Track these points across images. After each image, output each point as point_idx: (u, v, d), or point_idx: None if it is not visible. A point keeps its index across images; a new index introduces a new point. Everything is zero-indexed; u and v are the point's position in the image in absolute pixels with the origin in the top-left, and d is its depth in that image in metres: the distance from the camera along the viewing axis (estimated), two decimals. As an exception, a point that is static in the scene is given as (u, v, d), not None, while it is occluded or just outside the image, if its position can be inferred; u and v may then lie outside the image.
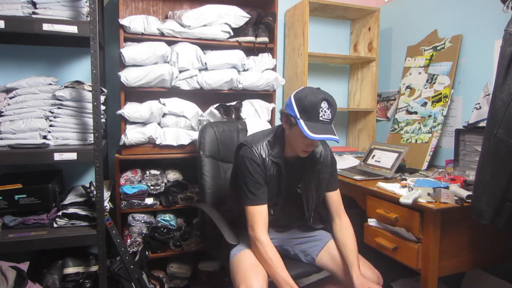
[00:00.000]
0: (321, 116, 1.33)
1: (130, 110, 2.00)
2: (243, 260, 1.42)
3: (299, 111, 1.36)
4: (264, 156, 1.46)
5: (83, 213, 1.80)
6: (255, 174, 1.43)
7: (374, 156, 2.12)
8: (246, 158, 1.45)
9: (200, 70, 2.16)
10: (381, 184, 1.70)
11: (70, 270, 1.92)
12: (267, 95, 2.37)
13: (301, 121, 1.34)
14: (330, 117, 1.35)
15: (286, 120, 1.42)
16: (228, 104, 2.26)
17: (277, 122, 2.66)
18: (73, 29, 1.65)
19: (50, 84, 1.87)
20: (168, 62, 2.08)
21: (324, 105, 1.34)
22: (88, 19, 1.69)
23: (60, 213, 1.79)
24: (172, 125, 2.11)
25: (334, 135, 1.33)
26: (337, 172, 1.66)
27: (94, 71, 1.65)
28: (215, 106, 2.20)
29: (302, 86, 1.52)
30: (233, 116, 2.20)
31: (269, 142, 1.49)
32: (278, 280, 1.34)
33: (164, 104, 2.08)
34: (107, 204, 1.88)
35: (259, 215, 1.43)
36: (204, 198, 1.77)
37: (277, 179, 1.49)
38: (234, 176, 1.59)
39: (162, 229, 2.09)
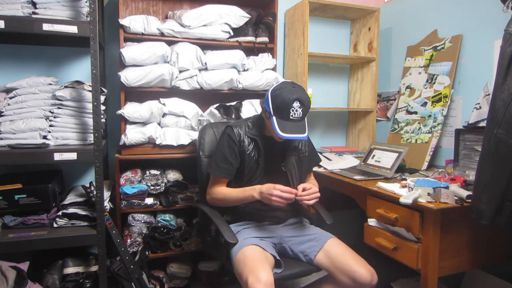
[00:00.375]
0: (292, 116, 1.47)
1: (130, 110, 2.00)
2: (249, 255, 1.46)
3: (273, 108, 1.50)
4: (242, 134, 1.64)
5: (83, 213, 1.80)
6: (227, 148, 1.62)
7: (374, 156, 2.12)
8: (225, 134, 1.66)
9: (200, 70, 2.16)
10: (381, 184, 1.70)
11: (70, 270, 1.92)
12: (267, 95, 2.37)
13: (274, 119, 1.48)
14: (301, 116, 1.49)
15: (264, 112, 1.60)
16: (228, 104, 2.26)
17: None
18: (73, 29, 1.65)
19: (50, 84, 1.88)
20: (168, 62, 2.08)
21: (296, 104, 1.47)
22: (88, 19, 1.69)
23: (60, 213, 1.79)
24: (172, 125, 2.11)
25: (303, 133, 1.49)
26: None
27: (94, 71, 1.65)
28: (215, 106, 2.20)
29: (282, 81, 1.63)
30: (233, 116, 2.21)
31: (250, 123, 1.68)
32: (239, 195, 1.58)
33: (164, 104, 2.08)
34: (107, 204, 1.88)
35: (216, 184, 1.64)
36: (204, 198, 1.77)
37: (256, 154, 1.64)
38: None
39: (162, 229, 2.09)
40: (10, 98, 1.81)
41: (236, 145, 1.62)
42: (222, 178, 1.64)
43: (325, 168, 2.17)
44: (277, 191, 1.44)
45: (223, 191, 1.63)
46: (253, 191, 1.53)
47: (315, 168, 2.17)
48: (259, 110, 2.27)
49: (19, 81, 1.84)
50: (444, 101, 2.17)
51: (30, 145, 1.72)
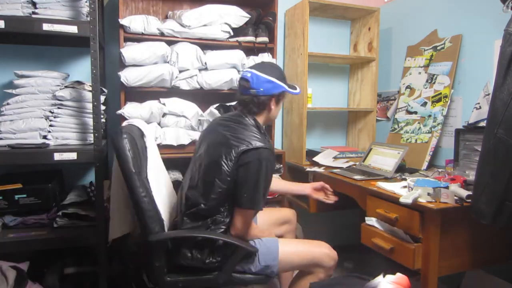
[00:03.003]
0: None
1: (130, 110, 2.00)
2: (290, 243, 1.58)
3: (284, 82, 1.56)
4: (272, 150, 1.51)
5: (83, 213, 1.80)
6: (269, 177, 1.46)
7: (374, 156, 2.12)
8: (268, 161, 1.43)
9: (200, 70, 2.16)
10: (381, 184, 1.70)
11: (70, 270, 1.92)
12: (267, 95, 2.37)
13: (291, 90, 1.59)
14: None
15: (275, 100, 1.56)
16: (228, 104, 2.26)
17: (277, 121, 2.67)
18: (73, 29, 1.65)
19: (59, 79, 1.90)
20: (168, 62, 2.08)
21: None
22: (88, 19, 1.69)
23: (60, 213, 1.79)
24: (172, 125, 2.11)
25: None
26: None
27: (94, 71, 1.65)
28: (215, 106, 2.20)
29: (252, 72, 1.55)
30: (233, 116, 2.20)
31: (261, 134, 1.50)
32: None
33: (164, 104, 2.08)
34: (107, 204, 1.88)
35: (251, 219, 1.48)
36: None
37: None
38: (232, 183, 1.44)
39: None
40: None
41: (274, 168, 1.60)
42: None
43: (325, 168, 2.17)
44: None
45: (257, 232, 1.53)
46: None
47: (315, 168, 2.18)
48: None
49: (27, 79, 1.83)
50: (444, 101, 2.17)
51: (30, 145, 1.72)
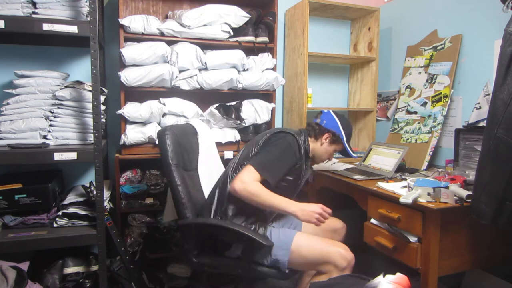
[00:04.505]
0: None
1: (130, 110, 2.00)
2: (306, 237, 1.55)
3: (346, 135, 1.77)
4: (302, 147, 1.64)
5: (83, 213, 1.80)
6: (288, 155, 1.59)
7: (374, 156, 2.12)
8: (289, 143, 1.60)
9: (200, 70, 2.16)
10: (381, 184, 1.70)
11: (70, 270, 1.92)
12: (267, 95, 2.37)
13: (346, 144, 1.78)
14: None
15: (330, 137, 1.75)
16: (228, 104, 2.26)
17: (277, 121, 2.67)
18: (73, 29, 1.65)
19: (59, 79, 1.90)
20: (168, 62, 2.08)
21: None
22: (88, 19, 1.69)
23: (60, 212, 1.79)
24: (172, 125, 2.11)
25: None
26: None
27: (94, 71, 1.65)
28: (215, 106, 2.20)
29: (330, 111, 1.84)
30: (233, 116, 2.21)
31: (302, 140, 1.68)
32: (276, 201, 1.50)
33: (164, 104, 2.08)
34: (107, 204, 1.88)
35: (256, 180, 1.50)
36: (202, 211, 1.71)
37: (301, 170, 1.66)
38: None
39: (162, 229, 2.09)
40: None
41: (296, 158, 1.61)
42: (264, 178, 1.53)
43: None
44: (324, 213, 1.48)
45: (261, 188, 1.50)
46: (292, 205, 1.48)
47: (315, 167, 2.16)
48: (259, 110, 2.27)
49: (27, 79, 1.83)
50: (444, 101, 2.17)
51: (30, 145, 1.72)
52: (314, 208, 1.47)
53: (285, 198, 1.52)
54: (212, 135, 2.09)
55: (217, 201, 1.60)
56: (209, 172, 1.82)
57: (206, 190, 1.73)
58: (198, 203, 1.67)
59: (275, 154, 1.57)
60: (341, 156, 1.95)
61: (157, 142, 1.87)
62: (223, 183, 1.62)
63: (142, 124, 2.08)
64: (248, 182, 1.49)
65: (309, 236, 1.57)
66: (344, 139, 1.77)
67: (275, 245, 1.50)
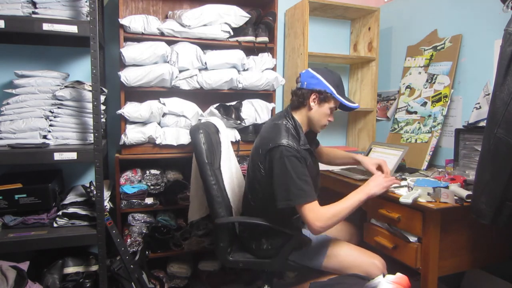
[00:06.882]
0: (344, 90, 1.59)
1: (130, 109, 2.00)
2: (343, 245, 1.58)
3: (333, 87, 1.53)
4: (297, 148, 1.46)
5: (83, 212, 1.80)
6: (300, 168, 1.43)
7: (374, 155, 2.12)
8: (287, 158, 1.42)
9: (200, 69, 2.16)
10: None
11: (70, 269, 1.92)
12: (267, 95, 2.37)
13: (337, 94, 1.54)
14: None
15: (317, 97, 1.53)
16: (228, 104, 2.26)
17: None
18: (73, 29, 1.65)
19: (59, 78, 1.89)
20: (168, 62, 2.08)
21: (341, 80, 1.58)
22: (88, 18, 1.69)
23: (60, 212, 1.79)
24: (172, 125, 2.11)
25: (355, 103, 1.61)
26: None
27: (94, 71, 1.65)
28: (215, 106, 2.20)
29: (306, 69, 1.64)
30: (233, 116, 2.21)
31: (291, 134, 1.50)
32: (350, 204, 1.46)
33: (164, 104, 2.08)
34: (107, 204, 1.88)
35: (316, 208, 1.41)
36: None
37: (313, 166, 1.59)
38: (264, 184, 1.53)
39: (162, 228, 2.09)
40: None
41: (303, 161, 1.47)
42: (315, 201, 1.44)
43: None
44: (387, 175, 1.59)
45: (330, 210, 1.43)
46: (360, 194, 1.47)
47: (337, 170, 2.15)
48: (259, 110, 2.27)
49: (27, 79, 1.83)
50: (444, 101, 2.17)
51: (30, 145, 1.72)
52: (379, 180, 1.52)
53: (350, 195, 1.48)
54: (229, 134, 2.11)
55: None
56: (229, 170, 1.83)
57: (228, 188, 1.74)
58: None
59: (290, 178, 1.41)
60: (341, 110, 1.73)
61: (188, 141, 2.02)
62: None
63: (142, 124, 2.08)
64: (317, 218, 1.40)
65: (345, 244, 1.60)
66: (334, 91, 1.53)
67: (313, 246, 1.55)
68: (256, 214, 1.59)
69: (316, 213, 1.40)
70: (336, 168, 2.14)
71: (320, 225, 1.40)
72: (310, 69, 1.58)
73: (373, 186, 1.49)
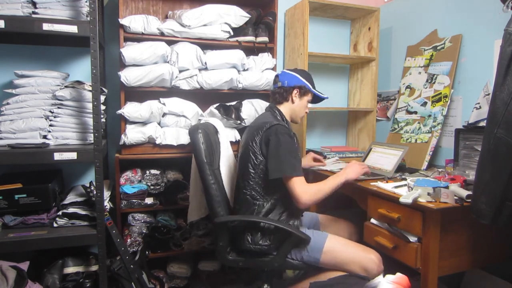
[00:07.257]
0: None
1: (130, 109, 2.00)
2: (340, 241, 1.63)
3: (309, 82, 1.82)
4: (290, 128, 1.69)
5: (83, 212, 1.80)
6: (294, 146, 1.63)
7: (373, 156, 2.12)
8: (284, 134, 1.61)
9: (200, 69, 2.16)
10: (381, 184, 1.70)
11: (70, 269, 1.92)
12: (267, 95, 2.37)
13: (314, 90, 1.84)
14: None
15: (298, 91, 1.79)
16: (228, 104, 2.26)
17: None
18: (73, 29, 1.65)
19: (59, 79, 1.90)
20: (168, 62, 2.08)
21: None
22: (88, 18, 1.69)
23: (60, 212, 1.79)
24: (172, 125, 2.11)
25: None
26: None
27: (94, 71, 1.65)
28: (215, 106, 2.20)
29: (282, 71, 1.89)
30: (233, 116, 2.21)
31: (281, 120, 1.74)
32: (331, 184, 1.62)
33: (164, 104, 2.08)
34: (107, 204, 1.88)
35: (304, 183, 1.57)
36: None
37: (299, 146, 1.74)
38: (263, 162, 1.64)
39: (162, 228, 2.09)
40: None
41: (295, 141, 1.68)
42: (303, 177, 1.59)
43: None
44: (360, 162, 1.78)
45: (314, 186, 1.60)
46: (339, 177, 1.64)
47: (315, 168, 2.18)
48: (259, 110, 2.27)
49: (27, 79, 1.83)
50: (444, 101, 2.17)
51: (30, 145, 1.72)
52: (355, 167, 1.70)
53: (331, 177, 1.65)
54: (229, 134, 2.13)
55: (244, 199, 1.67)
56: (229, 170, 1.87)
57: (227, 187, 1.79)
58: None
59: (282, 155, 1.57)
60: (315, 105, 2.05)
61: (187, 141, 2.04)
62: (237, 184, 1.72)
63: (142, 124, 2.08)
64: (304, 191, 1.55)
65: (342, 239, 1.65)
66: (310, 86, 1.83)
67: (310, 244, 1.59)
68: (248, 203, 1.65)
69: (304, 187, 1.56)
70: (335, 168, 2.14)
71: (306, 198, 1.55)
72: (286, 70, 1.85)
73: (349, 172, 1.68)
